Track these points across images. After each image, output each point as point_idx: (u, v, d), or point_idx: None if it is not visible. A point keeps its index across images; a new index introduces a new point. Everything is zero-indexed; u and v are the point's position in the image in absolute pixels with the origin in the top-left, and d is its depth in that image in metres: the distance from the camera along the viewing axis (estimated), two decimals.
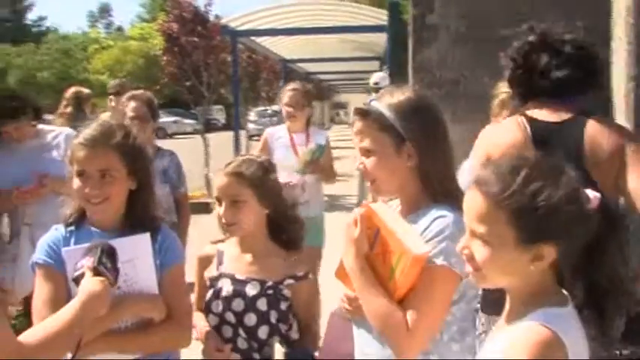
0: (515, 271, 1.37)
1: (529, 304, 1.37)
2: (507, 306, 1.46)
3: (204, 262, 2.35)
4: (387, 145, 1.78)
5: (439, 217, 1.71)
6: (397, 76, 5.13)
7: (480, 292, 1.80)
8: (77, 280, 1.83)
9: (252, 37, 13.68)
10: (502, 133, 2.38)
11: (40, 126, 3.76)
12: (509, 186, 1.33)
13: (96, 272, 1.82)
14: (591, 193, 1.37)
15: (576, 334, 1.35)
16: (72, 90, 5.89)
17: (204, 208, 9.98)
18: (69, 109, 5.59)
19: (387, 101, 1.80)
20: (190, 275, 2.25)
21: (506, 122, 2.43)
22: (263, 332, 2.18)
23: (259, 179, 2.22)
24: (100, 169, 2.02)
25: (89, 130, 2.07)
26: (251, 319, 2.18)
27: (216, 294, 2.22)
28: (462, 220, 1.65)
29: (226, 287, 2.21)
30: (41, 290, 2.03)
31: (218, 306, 2.21)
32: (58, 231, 2.14)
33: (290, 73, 22.00)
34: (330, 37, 14.88)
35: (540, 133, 2.29)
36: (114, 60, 46.20)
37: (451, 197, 1.74)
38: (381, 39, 13.49)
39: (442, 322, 1.71)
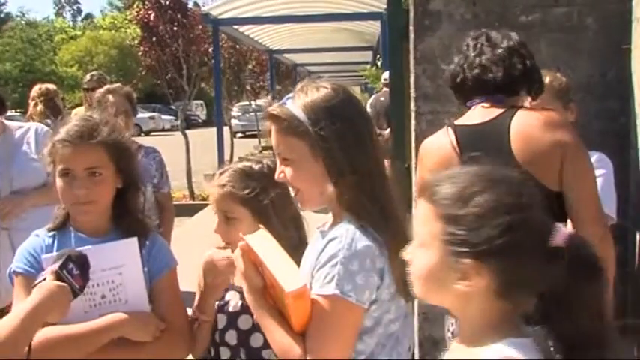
0: (445, 287, 1.33)
1: (481, 336, 1.32)
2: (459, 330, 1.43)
3: (211, 268, 2.22)
4: (304, 152, 1.70)
5: (333, 239, 1.65)
6: (394, 68, 5.13)
7: (402, 314, 1.74)
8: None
9: (236, 26, 13.68)
10: (430, 143, 2.55)
11: (7, 122, 3.55)
12: (444, 192, 1.34)
13: (58, 277, 1.81)
14: (561, 228, 1.31)
15: None
16: (37, 88, 5.84)
17: (187, 211, 9.98)
18: (39, 107, 5.53)
19: (300, 101, 1.72)
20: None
21: (437, 133, 2.56)
22: (267, 354, 2.09)
23: (253, 193, 2.07)
24: (88, 168, 2.00)
25: (72, 126, 2.04)
26: (257, 339, 2.09)
27: (221, 307, 2.15)
28: (360, 238, 1.62)
29: (234, 301, 2.14)
30: (19, 302, 1.99)
31: (222, 321, 2.13)
32: (39, 237, 2.12)
33: (277, 64, 22.02)
34: (319, 25, 14.91)
35: (465, 137, 2.41)
36: (84, 51, 45.96)
37: (364, 207, 1.66)
38: (374, 28, 13.52)
39: (349, 354, 1.65)
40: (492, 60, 2.40)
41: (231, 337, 2.12)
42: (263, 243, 1.73)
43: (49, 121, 5.14)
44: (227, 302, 2.15)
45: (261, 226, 1.78)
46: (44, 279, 1.81)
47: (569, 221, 2.36)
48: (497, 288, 1.29)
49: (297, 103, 1.72)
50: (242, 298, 2.11)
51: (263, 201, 2.07)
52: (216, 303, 2.15)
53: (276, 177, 1.79)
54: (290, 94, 1.79)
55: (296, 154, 1.71)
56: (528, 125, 2.31)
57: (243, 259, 1.70)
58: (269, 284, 1.71)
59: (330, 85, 1.75)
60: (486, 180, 1.32)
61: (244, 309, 2.10)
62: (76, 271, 1.85)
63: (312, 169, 1.70)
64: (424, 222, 1.37)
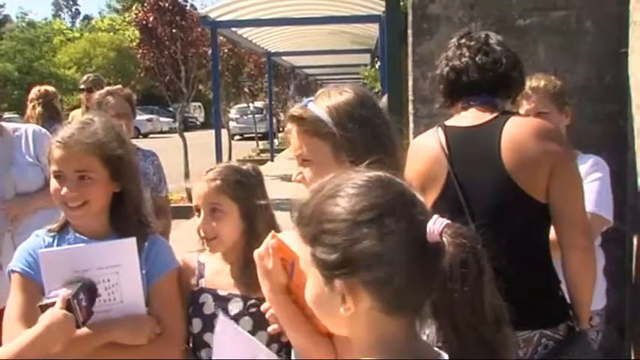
0: (334, 313, 1.17)
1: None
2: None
3: (184, 274, 2.24)
4: (326, 154, 1.72)
5: None
6: (392, 70, 5.14)
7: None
8: (44, 308, 1.82)
9: (234, 29, 13.68)
10: (419, 142, 2.50)
11: (3, 124, 3.52)
12: (302, 211, 1.23)
13: (67, 306, 1.82)
14: (437, 220, 1.16)
15: None
16: (35, 90, 5.84)
17: (184, 213, 9.97)
18: (38, 109, 5.52)
19: (323, 104, 1.75)
20: None
21: (427, 132, 2.53)
22: None
23: (243, 190, 2.12)
24: (77, 170, 2.01)
25: (68, 128, 2.06)
26: None
27: (197, 311, 2.15)
28: None
29: (208, 304, 2.14)
30: (15, 302, 2.01)
31: (198, 325, 2.14)
32: (39, 237, 2.12)
33: (275, 67, 22.02)
34: (318, 28, 14.90)
35: (455, 139, 2.37)
36: (82, 53, 45.93)
37: None
38: (372, 31, 13.52)
39: None
40: (495, 61, 2.36)
41: (210, 338, 2.11)
42: (296, 240, 1.72)
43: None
44: (202, 305, 2.15)
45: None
46: (54, 302, 1.82)
47: (552, 230, 2.33)
48: (382, 306, 1.14)
49: (320, 105, 1.75)
50: (214, 299, 2.14)
51: (252, 199, 2.11)
52: (190, 307, 2.15)
53: (293, 179, 1.80)
54: (310, 98, 1.82)
55: (317, 155, 1.74)
56: (520, 133, 2.26)
57: (274, 257, 1.66)
58: (298, 283, 1.66)
59: (352, 89, 1.79)
60: (339, 191, 1.19)
61: (218, 311, 2.10)
62: (84, 303, 1.87)
63: (333, 171, 1.71)
64: (298, 245, 1.25)
